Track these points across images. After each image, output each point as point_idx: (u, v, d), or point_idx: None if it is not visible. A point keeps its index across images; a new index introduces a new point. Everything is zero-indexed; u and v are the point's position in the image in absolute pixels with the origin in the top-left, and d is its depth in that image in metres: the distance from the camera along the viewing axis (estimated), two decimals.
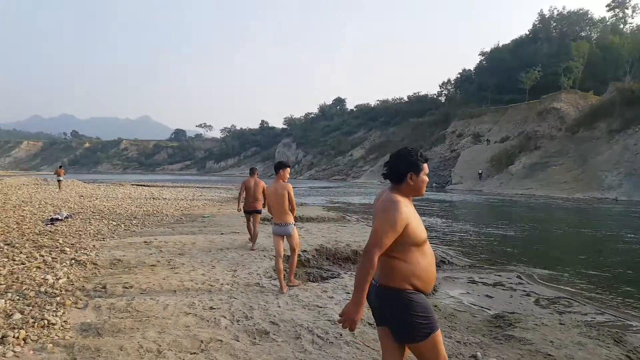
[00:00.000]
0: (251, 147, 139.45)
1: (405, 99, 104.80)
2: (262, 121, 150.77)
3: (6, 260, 6.20)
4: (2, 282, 5.02)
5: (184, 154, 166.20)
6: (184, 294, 4.95)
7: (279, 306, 4.58)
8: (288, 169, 5.38)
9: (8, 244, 7.39)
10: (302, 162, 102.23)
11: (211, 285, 5.28)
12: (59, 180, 24.70)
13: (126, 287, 5.12)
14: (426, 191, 2.27)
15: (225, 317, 4.19)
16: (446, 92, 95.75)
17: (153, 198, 20.07)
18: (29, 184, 31.15)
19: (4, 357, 3.17)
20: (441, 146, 66.08)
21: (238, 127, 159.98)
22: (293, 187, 5.39)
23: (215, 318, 4.17)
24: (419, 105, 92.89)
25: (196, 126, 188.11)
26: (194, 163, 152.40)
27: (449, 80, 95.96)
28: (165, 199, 19.93)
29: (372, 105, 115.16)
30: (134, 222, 11.27)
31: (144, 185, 34.90)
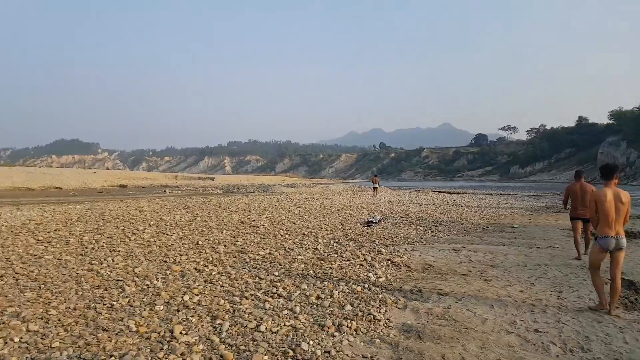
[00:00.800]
0: (565, 148, 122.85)
1: None
2: (580, 117, 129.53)
3: (336, 256, 7.33)
4: (335, 275, 5.89)
5: (484, 159, 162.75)
6: (502, 309, 4.55)
7: (626, 342, 3.64)
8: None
9: (336, 242, 8.77)
10: (635, 165, 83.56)
11: (533, 305, 4.67)
12: (374, 188, 28.16)
13: (441, 294, 5.12)
14: None
15: (554, 344, 3.62)
16: None
17: (455, 205, 20.19)
18: (347, 190, 36.94)
19: (341, 344, 3.58)
20: None
21: (548, 127, 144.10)
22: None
23: (542, 342, 3.65)
24: None
25: (499, 129, 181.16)
26: (496, 169, 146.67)
27: None
28: (468, 206, 19.70)
29: None
30: (440, 228, 11.50)
31: (444, 192, 35.83)
